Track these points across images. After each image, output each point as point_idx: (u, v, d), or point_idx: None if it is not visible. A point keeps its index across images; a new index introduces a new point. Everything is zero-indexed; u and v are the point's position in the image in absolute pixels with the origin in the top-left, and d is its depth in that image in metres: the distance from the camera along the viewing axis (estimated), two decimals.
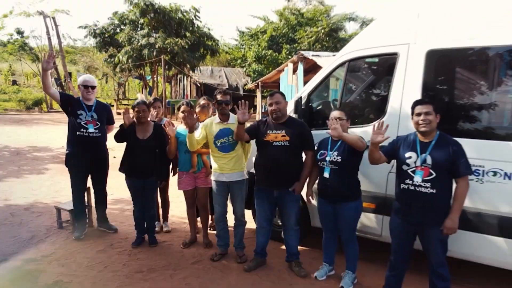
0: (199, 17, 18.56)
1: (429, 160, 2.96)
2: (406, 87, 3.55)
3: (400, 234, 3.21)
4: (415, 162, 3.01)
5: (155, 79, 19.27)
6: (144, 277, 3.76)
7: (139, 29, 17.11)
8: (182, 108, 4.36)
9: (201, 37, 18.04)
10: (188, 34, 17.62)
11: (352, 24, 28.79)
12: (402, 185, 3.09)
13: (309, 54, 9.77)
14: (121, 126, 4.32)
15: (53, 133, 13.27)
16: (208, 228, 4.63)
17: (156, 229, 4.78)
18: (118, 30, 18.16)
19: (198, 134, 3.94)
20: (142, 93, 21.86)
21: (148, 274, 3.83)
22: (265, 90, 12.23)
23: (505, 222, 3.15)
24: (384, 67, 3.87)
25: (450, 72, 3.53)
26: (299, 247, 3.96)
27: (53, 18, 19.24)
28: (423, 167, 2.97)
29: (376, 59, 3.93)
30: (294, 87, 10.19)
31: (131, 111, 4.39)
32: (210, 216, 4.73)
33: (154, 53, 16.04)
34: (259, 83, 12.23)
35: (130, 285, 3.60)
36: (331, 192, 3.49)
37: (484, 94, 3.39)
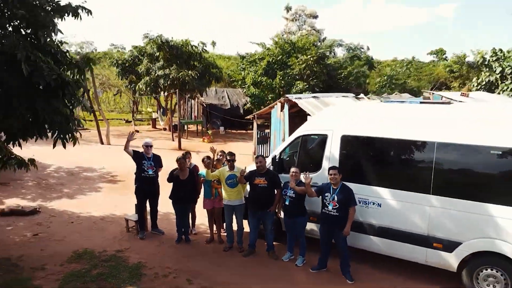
0: (206, 50, 21.73)
1: (335, 198, 5.93)
2: (332, 154, 6.52)
3: (324, 234, 6.18)
4: (329, 198, 5.98)
5: (168, 101, 22.51)
6: (186, 259, 6.73)
7: (155, 61, 20.22)
8: (205, 160, 7.29)
9: (207, 66, 21.12)
10: (196, 64, 20.72)
11: (340, 49, 31.71)
12: (323, 210, 6.07)
13: (292, 97, 12.81)
14: (171, 173, 7.26)
15: (88, 153, 16.19)
16: (220, 231, 7.61)
17: (190, 231, 7.76)
18: (137, 61, 21.27)
19: (215, 173, 6.89)
20: (157, 113, 25.01)
21: (187, 257, 6.80)
22: (260, 121, 15.11)
23: (377, 228, 6.11)
24: (321, 141, 6.83)
25: (353, 147, 6.51)
26: (274, 242, 6.92)
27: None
28: (332, 201, 5.94)
29: (317, 136, 6.92)
30: (281, 121, 13.34)
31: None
32: (222, 224, 7.70)
33: (169, 82, 19.15)
34: (255, 115, 15.20)
35: (181, 262, 6.56)
36: (289, 212, 6.47)
37: (368, 160, 6.39)
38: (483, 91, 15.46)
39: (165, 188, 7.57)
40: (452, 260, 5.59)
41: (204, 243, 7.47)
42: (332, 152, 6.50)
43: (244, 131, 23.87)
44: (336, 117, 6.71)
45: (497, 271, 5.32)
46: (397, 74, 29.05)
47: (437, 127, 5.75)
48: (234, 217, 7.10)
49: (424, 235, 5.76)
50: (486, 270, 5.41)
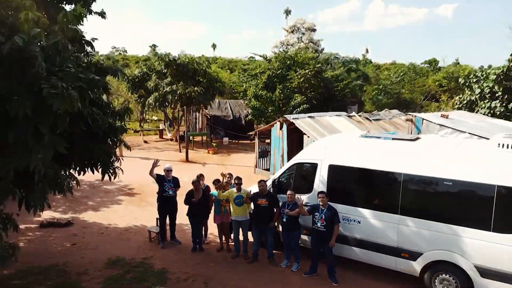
0: (210, 67, 23.29)
1: (323, 216, 7.36)
2: (321, 180, 7.96)
3: (314, 245, 7.63)
4: (318, 216, 7.42)
5: (175, 114, 24.08)
6: (201, 265, 8.17)
7: (163, 77, 21.74)
8: (216, 183, 8.71)
9: (211, 81, 22.60)
10: (201, 79, 22.21)
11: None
12: (313, 226, 7.51)
13: (290, 118, 14.28)
14: (188, 194, 8.69)
15: None
16: (229, 242, 9.04)
17: (203, 241, 9.20)
18: (146, 76, 22.77)
19: (225, 193, 8.33)
20: (164, 125, 26.54)
21: (202, 264, 8.24)
22: (262, 136, 16.60)
23: (358, 240, 7.56)
24: (312, 168, 8.27)
25: (338, 175, 7.95)
26: (274, 251, 8.36)
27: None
28: (321, 219, 7.38)
29: (309, 164, 8.37)
30: (280, 139, 14.85)
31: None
32: (230, 236, 9.14)
33: (176, 97, 20.64)
34: (257, 132, 16.67)
35: (197, 268, 8.00)
36: (286, 227, 7.91)
37: (349, 185, 7.84)
38: (464, 109, 16.93)
39: (182, 205, 9.02)
40: (416, 267, 7.02)
41: (215, 251, 8.91)
42: (322, 177, 7.95)
43: (247, 141, 25.22)
44: (325, 149, 8.15)
45: (449, 276, 6.76)
46: (391, 84, 30.52)
47: (403, 161, 7.20)
48: (240, 230, 8.55)
49: (394, 247, 7.19)
50: (442, 275, 6.85)
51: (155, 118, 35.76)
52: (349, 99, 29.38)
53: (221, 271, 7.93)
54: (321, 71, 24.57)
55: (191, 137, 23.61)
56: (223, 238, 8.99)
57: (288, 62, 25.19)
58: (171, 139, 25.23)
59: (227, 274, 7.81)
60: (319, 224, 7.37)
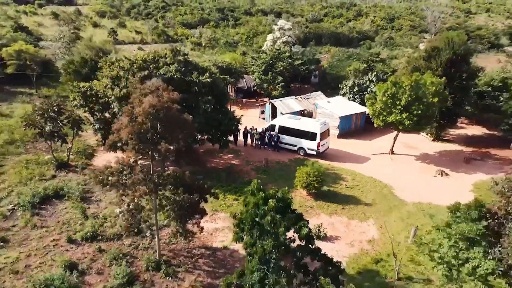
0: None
1: (273, 136, 32.28)
2: (276, 128, 32.77)
3: (270, 143, 32.75)
4: (273, 136, 32.33)
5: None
6: (250, 148, 33.20)
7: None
8: (251, 128, 33.26)
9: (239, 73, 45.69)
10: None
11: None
12: (270, 138, 32.48)
13: (273, 101, 38.23)
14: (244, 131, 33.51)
15: None
16: (252, 143, 33.98)
17: None
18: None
19: (252, 131, 33.23)
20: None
21: (250, 148, 33.21)
22: (261, 103, 40.51)
23: (285, 142, 32.76)
24: (274, 125, 33.01)
25: (280, 127, 32.86)
26: (262, 146, 33.34)
27: None
28: (271, 137, 32.29)
29: (274, 124, 33.20)
30: (269, 109, 39.24)
31: None
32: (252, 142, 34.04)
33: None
34: (260, 101, 40.64)
35: (250, 148, 33.01)
36: (265, 139, 32.86)
37: (284, 130, 32.84)
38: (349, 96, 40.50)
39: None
40: (296, 148, 32.07)
41: (249, 147, 33.91)
42: (277, 128, 32.55)
43: (254, 101, 48.54)
44: (278, 120, 32.70)
45: (302, 149, 31.84)
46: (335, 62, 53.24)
47: (292, 123, 31.83)
48: (254, 140, 33.42)
49: (293, 144, 32.08)
50: (300, 150, 31.93)
51: None
52: (311, 72, 52.14)
53: (255, 150, 32.83)
54: (293, 62, 47.10)
55: None
56: (250, 142, 33.80)
57: (275, 55, 47.70)
58: None
59: (256, 151, 32.72)
60: (272, 137, 32.23)
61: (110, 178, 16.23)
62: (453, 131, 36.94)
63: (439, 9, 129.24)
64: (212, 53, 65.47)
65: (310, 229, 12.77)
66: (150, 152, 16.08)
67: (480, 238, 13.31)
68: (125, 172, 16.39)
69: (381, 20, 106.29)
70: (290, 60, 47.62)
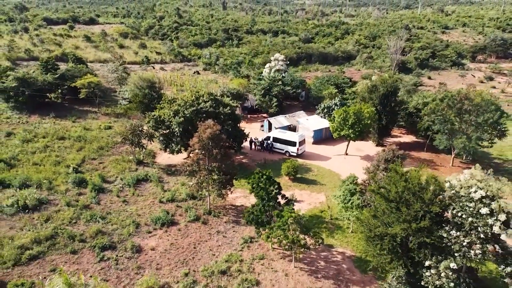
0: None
1: (269, 143, 49.74)
2: (271, 139, 50.21)
3: (267, 147, 50.21)
4: (269, 143, 49.80)
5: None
6: (255, 151, 50.59)
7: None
8: (254, 139, 50.65)
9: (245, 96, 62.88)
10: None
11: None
12: (267, 144, 49.95)
13: (270, 119, 55.45)
14: (250, 140, 51.01)
15: None
16: (256, 148, 51.36)
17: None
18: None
19: (255, 140, 50.69)
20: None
21: (255, 151, 50.61)
22: (261, 119, 57.50)
23: (278, 148, 50.24)
24: (269, 136, 50.43)
25: (274, 138, 50.35)
26: (261, 149, 50.75)
27: None
28: (268, 143, 49.78)
29: (270, 136, 50.73)
30: (267, 124, 56.68)
31: None
32: (256, 147, 51.41)
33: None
34: (261, 117, 57.78)
35: (254, 152, 50.35)
36: (264, 144, 50.37)
37: (276, 140, 50.36)
38: (322, 116, 57.50)
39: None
40: (285, 151, 49.41)
41: (254, 150, 51.29)
42: (271, 138, 49.86)
43: (256, 116, 65.56)
44: (272, 132, 50.05)
45: (288, 152, 49.23)
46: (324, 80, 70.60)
47: (280, 135, 49.17)
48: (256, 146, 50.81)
49: (282, 149, 49.42)
50: (287, 153, 49.34)
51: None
52: (299, 92, 69.25)
53: (257, 153, 50.12)
54: (284, 88, 64.37)
55: None
56: (254, 148, 51.10)
57: (271, 82, 64.88)
58: None
59: (258, 153, 50.01)
60: (268, 144, 49.62)
61: (187, 168, 33.72)
62: (391, 139, 54.20)
63: (420, 24, 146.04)
64: (223, 78, 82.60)
65: (280, 187, 30.27)
66: (206, 154, 33.45)
67: (354, 191, 30.72)
68: (194, 164, 33.81)
69: (365, 38, 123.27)
70: (282, 86, 64.94)
